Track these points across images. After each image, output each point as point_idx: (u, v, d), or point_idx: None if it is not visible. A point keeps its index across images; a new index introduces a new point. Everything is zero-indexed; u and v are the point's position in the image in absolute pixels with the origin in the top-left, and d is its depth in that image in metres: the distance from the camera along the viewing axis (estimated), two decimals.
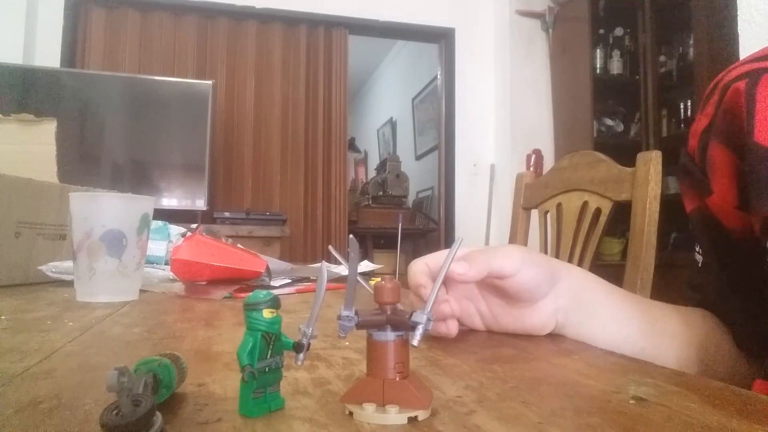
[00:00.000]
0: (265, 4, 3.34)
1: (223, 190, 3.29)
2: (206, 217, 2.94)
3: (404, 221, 4.09)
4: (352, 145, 5.37)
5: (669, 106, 3.18)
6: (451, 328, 0.43)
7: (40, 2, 3.06)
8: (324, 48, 3.53)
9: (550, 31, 3.51)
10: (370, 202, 4.34)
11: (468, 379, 0.33)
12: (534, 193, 1.23)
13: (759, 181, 0.42)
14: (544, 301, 0.46)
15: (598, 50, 3.31)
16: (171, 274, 0.89)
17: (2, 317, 0.55)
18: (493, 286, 0.45)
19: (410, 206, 4.65)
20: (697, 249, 0.55)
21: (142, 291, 0.75)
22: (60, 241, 0.96)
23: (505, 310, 0.46)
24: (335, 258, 0.44)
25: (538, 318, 0.46)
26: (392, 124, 5.77)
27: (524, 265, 0.43)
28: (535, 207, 1.22)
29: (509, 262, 0.43)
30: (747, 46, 1.49)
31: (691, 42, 2.86)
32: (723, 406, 0.28)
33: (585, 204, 1.04)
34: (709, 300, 0.53)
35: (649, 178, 0.90)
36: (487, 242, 3.49)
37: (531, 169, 3.31)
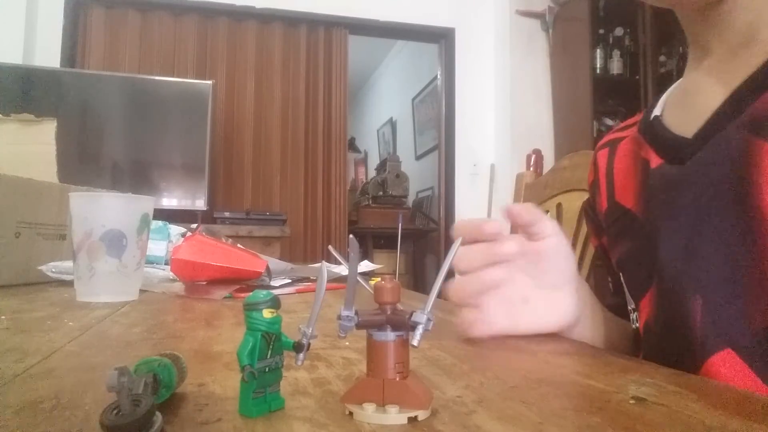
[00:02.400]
0: (265, 4, 3.34)
1: (223, 190, 3.29)
2: (206, 217, 2.94)
3: (404, 221, 4.09)
4: (352, 145, 5.37)
5: None
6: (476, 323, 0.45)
7: (40, 2, 3.06)
8: (324, 48, 3.53)
9: (550, 31, 3.51)
10: (370, 202, 4.34)
11: (468, 379, 0.33)
12: (534, 193, 1.23)
13: (615, 234, 0.53)
14: (565, 291, 0.47)
15: (598, 50, 3.31)
16: (171, 274, 0.89)
17: (2, 317, 0.55)
18: (526, 258, 0.46)
19: (410, 206, 4.65)
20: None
21: (142, 291, 0.75)
22: (60, 241, 0.96)
23: (532, 291, 0.46)
24: (335, 258, 0.44)
25: (560, 306, 0.47)
26: (392, 124, 5.77)
27: (559, 233, 0.47)
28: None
29: (549, 224, 0.47)
30: None
31: None
32: (723, 406, 0.28)
33: None
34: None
35: None
36: None
37: (531, 169, 3.31)
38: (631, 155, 0.53)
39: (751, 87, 0.41)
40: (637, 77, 3.19)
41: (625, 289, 0.53)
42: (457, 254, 0.42)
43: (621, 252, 0.53)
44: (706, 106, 0.45)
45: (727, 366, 0.39)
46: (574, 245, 1.06)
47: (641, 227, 0.48)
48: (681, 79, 0.55)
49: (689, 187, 0.44)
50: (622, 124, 0.62)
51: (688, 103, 0.49)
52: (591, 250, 1.02)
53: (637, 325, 0.50)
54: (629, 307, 0.53)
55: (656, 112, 0.53)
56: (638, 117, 0.58)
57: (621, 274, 0.53)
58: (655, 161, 0.48)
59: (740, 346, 0.39)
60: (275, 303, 0.26)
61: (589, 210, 0.64)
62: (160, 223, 1.15)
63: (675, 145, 0.46)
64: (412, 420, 0.25)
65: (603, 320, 0.54)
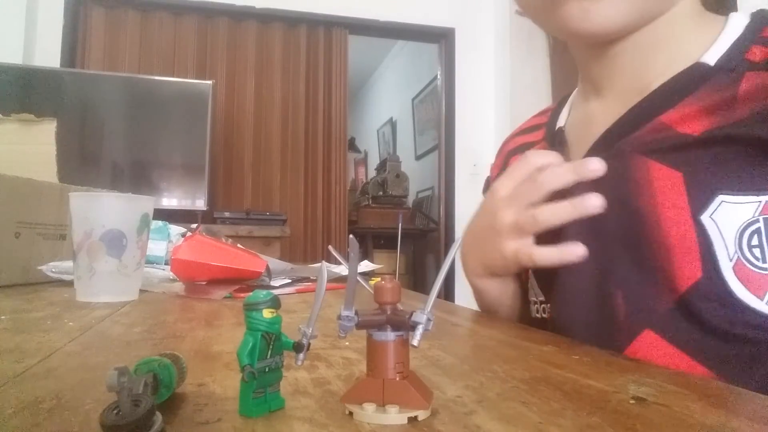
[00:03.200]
0: (265, 4, 3.34)
1: (223, 190, 3.29)
2: (206, 217, 2.94)
3: (404, 221, 4.09)
4: (352, 145, 5.37)
5: None
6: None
7: (40, 2, 3.06)
8: (324, 48, 3.53)
9: None
10: (370, 202, 4.34)
11: (468, 379, 0.33)
12: None
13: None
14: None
15: None
16: (171, 274, 0.89)
17: (2, 317, 0.55)
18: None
19: (410, 206, 4.65)
20: None
21: (142, 291, 0.75)
22: (60, 241, 0.96)
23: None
24: (335, 258, 0.44)
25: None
26: (392, 124, 5.77)
27: None
28: None
29: None
30: None
31: None
32: (723, 406, 0.28)
33: None
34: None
35: None
36: None
37: None
38: None
39: (637, 113, 0.48)
40: None
41: (532, 284, 0.58)
42: (556, 173, 0.47)
43: None
44: (598, 133, 0.51)
45: (648, 345, 0.44)
46: None
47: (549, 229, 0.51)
48: (577, 90, 0.62)
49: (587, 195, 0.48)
50: (527, 125, 0.69)
51: (585, 135, 0.54)
52: None
53: (544, 316, 0.55)
54: (532, 299, 0.59)
55: (560, 122, 0.59)
56: (542, 119, 0.65)
57: (530, 270, 0.58)
58: None
59: (657, 325, 0.44)
60: (275, 303, 0.26)
61: (486, 186, 0.70)
62: (160, 223, 1.15)
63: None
64: (412, 420, 0.25)
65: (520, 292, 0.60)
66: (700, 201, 0.42)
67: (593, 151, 0.50)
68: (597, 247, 0.47)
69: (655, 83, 0.48)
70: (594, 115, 0.55)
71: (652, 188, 0.44)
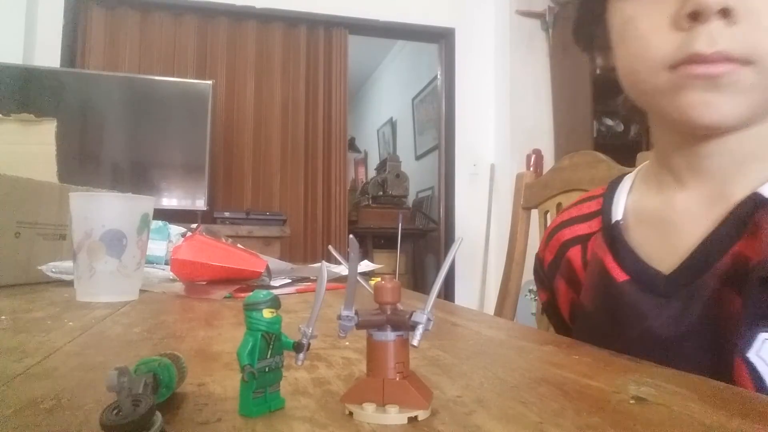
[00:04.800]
0: (265, 4, 3.34)
1: (223, 190, 3.29)
2: (206, 217, 2.94)
3: (404, 221, 4.09)
4: (352, 145, 5.37)
5: None
6: None
7: (40, 2, 3.06)
8: (324, 48, 3.53)
9: (550, 31, 3.51)
10: (370, 202, 4.34)
11: (468, 379, 0.33)
12: (534, 193, 1.23)
13: (579, 333, 0.58)
14: None
15: None
16: (171, 274, 0.89)
17: (2, 317, 0.55)
18: None
19: (410, 206, 4.65)
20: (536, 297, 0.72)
21: (142, 291, 0.75)
22: (60, 241, 0.96)
23: None
24: (335, 258, 0.44)
25: None
26: (392, 124, 5.76)
27: None
28: (535, 207, 1.21)
29: None
30: None
31: None
32: (723, 406, 0.28)
33: None
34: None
35: None
36: (487, 242, 3.49)
37: (531, 169, 3.31)
38: (594, 259, 0.57)
39: (722, 237, 0.46)
40: None
41: None
42: None
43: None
44: (678, 246, 0.49)
45: None
46: None
47: (604, 336, 0.50)
48: (642, 175, 0.59)
49: (665, 320, 0.48)
50: (578, 212, 0.65)
51: (661, 235, 0.52)
52: None
53: None
54: None
55: (617, 215, 0.56)
56: (594, 206, 0.62)
57: None
58: (620, 276, 0.52)
59: None
60: (275, 303, 0.26)
61: (539, 269, 0.69)
62: (160, 223, 1.15)
63: (651, 277, 0.50)
64: (412, 420, 0.25)
65: None
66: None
67: (679, 276, 0.48)
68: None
69: (742, 193, 0.47)
70: (672, 213, 0.52)
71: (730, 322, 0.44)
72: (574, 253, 0.62)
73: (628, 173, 0.63)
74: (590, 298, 0.56)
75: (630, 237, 0.54)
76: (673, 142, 0.52)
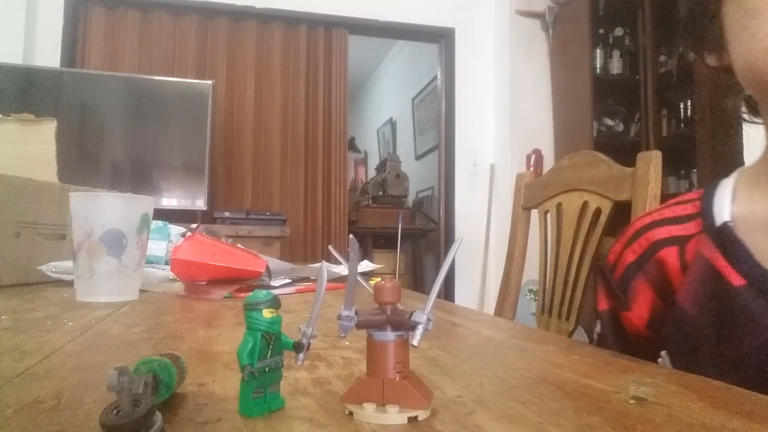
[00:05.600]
0: (265, 4, 3.34)
1: (223, 190, 3.29)
2: (206, 217, 2.94)
3: (404, 221, 4.09)
4: (352, 145, 5.37)
5: (669, 105, 3.18)
6: None
7: (40, 2, 3.06)
8: (324, 48, 3.53)
9: (550, 31, 3.51)
10: (370, 202, 4.34)
11: (468, 379, 0.33)
12: (534, 193, 1.23)
13: (676, 339, 0.55)
14: None
15: (598, 50, 3.31)
16: (171, 274, 0.89)
17: (2, 317, 0.55)
18: None
19: (410, 206, 4.65)
20: (595, 327, 0.66)
21: (142, 291, 0.75)
22: (60, 241, 0.96)
23: None
24: (335, 258, 0.44)
25: None
26: (392, 124, 5.77)
27: None
28: (535, 207, 1.21)
29: None
30: None
31: None
32: (723, 406, 0.28)
33: (585, 204, 1.04)
34: None
35: (649, 178, 0.90)
36: (487, 242, 3.49)
37: (531, 169, 3.31)
38: (701, 261, 0.54)
39: None
40: (637, 77, 3.19)
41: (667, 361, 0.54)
42: None
43: (680, 354, 0.54)
44: None
45: None
46: (574, 245, 1.06)
47: (709, 341, 0.48)
48: (738, 184, 0.56)
49: None
50: (670, 214, 0.62)
51: None
52: (591, 250, 1.02)
53: None
54: None
55: (725, 216, 0.53)
56: (689, 209, 0.59)
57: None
58: (736, 280, 0.49)
59: None
60: (275, 303, 0.26)
61: (606, 272, 0.65)
62: (160, 223, 1.15)
63: None
64: (412, 420, 0.25)
65: None
66: None
67: None
68: None
69: None
70: None
71: None
72: (669, 254, 0.58)
73: (723, 179, 0.59)
74: (694, 301, 0.53)
75: (747, 246, 0.51)
76: None
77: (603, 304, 0.65)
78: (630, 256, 0.63)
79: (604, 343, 0.64)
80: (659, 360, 0.55)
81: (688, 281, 0.55)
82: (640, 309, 0.60)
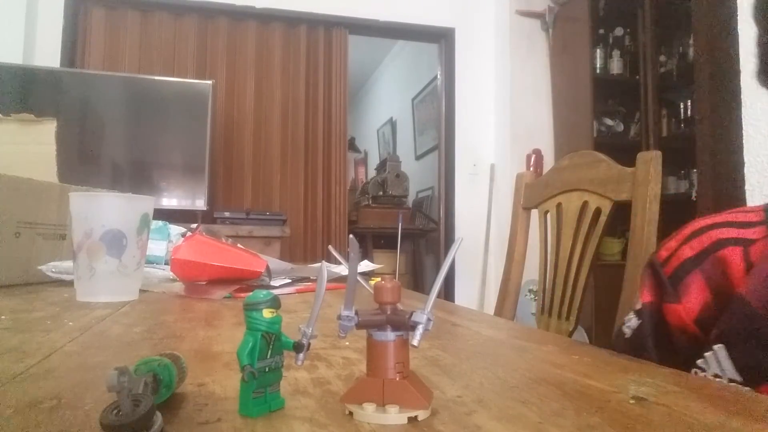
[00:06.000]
0: (265, 4, 3.34)
1: (223, 190, 3.29)
2: (206, 217, 2.94)
3: (404, 221, 4.09)
4: (352, 145, 5.37)
5: (669, 105, 3.18)
6: None
7: (40, 2, 3.06)
8: (324, 48, 3.53)
9: (550, 31, 3.51)
10: (370, 202, 4.34)
11: (468, 379, 0.33)
12: (534, 193, 1.23)
13: (740, 334, 0.55)
14: None
15: (598, 50, 3.31)
16: (171, 274, 0.89)
17: (2, 317, 0.55)
18: None
19: (410, 206, 4.65)
20: (628, 322, 0.67)
21: (142, 291, 0.75)
22: (60, 241, 0.96)
23: None
24: (335, 258, 0.44)
25: None
26: (392, 124, 5.77)
27: None
28: (535, 207, 1.21)
29: None
30: (747, 46, 1.49)
31: (691, 42, 2.86)
32: (723, 406, 0.28)
33: (585, 204, 1.04)
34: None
35: (649, 178, 0.90)
36: (487, 242, 3.49)
37: (531, 169, 3.31)
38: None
39: None
40: (637, 77, 3.19)
41: (729, 364, 0.55)
42: None
43: (742, 349, 0.55)
44: None
45: None
46: (574, 245, 1.06)
47: None
48: None
49: None
50: (733, 218, 0.64)
51: None
52: (591, 250, 1.02)
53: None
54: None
55: None
56: (753, 217, 0.61)
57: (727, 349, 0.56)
58: None
59: None
60: (275, 303, 0.26)
61: (659, 270, 0.66)
62: (160, 223, 1.15)
63: None
64: (412, 420, 0.25)
65: None
66: None
67: None
68: None
69: None
70: None
71: None
72: (733, 253, 0.60)
73: None
74: (762, 300, 0.55)
75: None
76: None
77: (647, 297, 0.67)
78: (688, 252, 0.64)
79: (638, 337, 0.65)
80: (708, 354, 0.55)
81: (755, 281, 0.56)
82: (690, 303, 0.61)
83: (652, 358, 0.59)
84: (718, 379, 0.55)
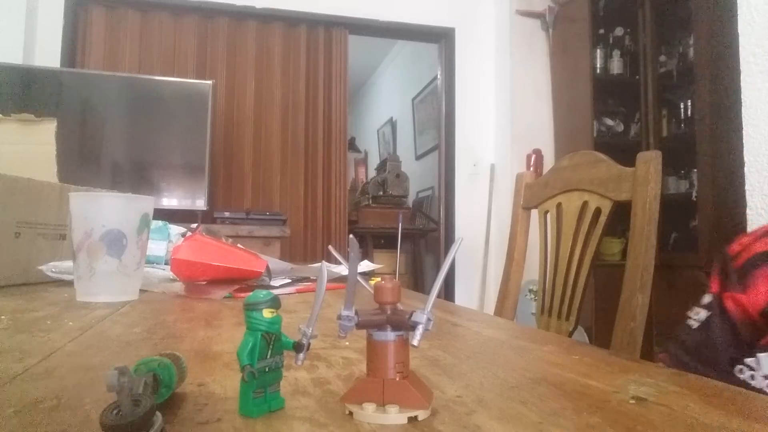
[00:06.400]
0: (265, 4, 3.34)
1: (223, 190, 3.29)
2: (206, 217, 2.94)
3: (404, 221, 4.09)
4: (352, 145, 5.37)
5: (669, 105, 3.18)
6: None
7: (40, 2, 3.06)
8: (324, 48, 3.53)
9: (550, 31, 3.51)
10: (370, 202, 4.34)
11: (468, 379, 0.33)
12: (534, 193, 1.23)
13: None
14: None
15: (598, 50, 3.31)
16: (171, 274, 0.89)
17: (2, 317, 0.55)
18: None
19: (410, 206, 4.65)
20: (694, 316, 0.70)
21: (142, 291, 0.75)
22: (60, 241, 0.96)
23: None
24: (335, 258, 0.44)
25: None
26: (392, 124, 5.77)
27: None
28: (535, 207, 1.21)
29: None
30: (747, 46, 1.49)
31: (691, 42, 2.86)
32: (723, 406, 0.28)
33: (585, 204, 1.04)
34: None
35: (649, 178, 0.90)
36: (487, 242, 3.49)
37: (531, 169, 3.31)
38: None
39: None
40: (637, 77, 3.19)
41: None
42: None
43: None
44: None
45: None
46: (574, 245, 1.06)
47: None
48: None
49: None
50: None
51: None
52: (591, 250, 1.02)
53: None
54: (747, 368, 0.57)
55: None
56: None
57: None
58: None
59: None
60: (275, 303, 0.26)
61: (729, 262, 0.69)
62: (160, 223, 1.15)
63: None
64: (412, 420, 0.25)
65: None
66: None
67: None
68: None
69: None
70: None
71: None
72: None
73: None
74: None
75: None
76: None
77: (716, 287, 0.69)
78: (761, 247, 0.67)
79: (705, 328, 0.67)
80: (762, 354, 0.57)
81: None
82: (756, 296, 0.63)
83: (717, 348, 0.61)
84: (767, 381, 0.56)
